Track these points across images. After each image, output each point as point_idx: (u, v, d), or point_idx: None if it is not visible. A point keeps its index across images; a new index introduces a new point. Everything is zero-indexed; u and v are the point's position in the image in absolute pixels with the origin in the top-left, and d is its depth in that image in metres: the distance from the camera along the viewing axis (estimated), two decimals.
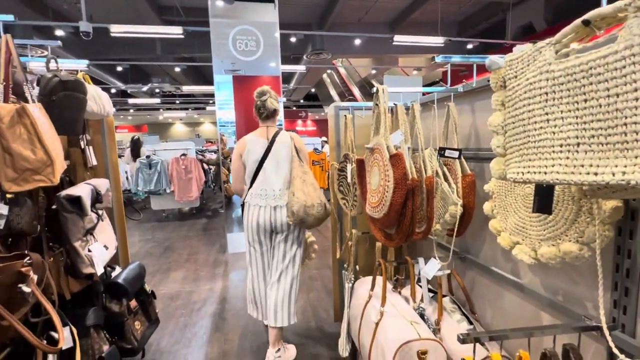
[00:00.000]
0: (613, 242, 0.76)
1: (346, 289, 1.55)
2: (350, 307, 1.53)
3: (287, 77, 12.38)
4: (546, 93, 0.48)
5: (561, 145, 0.46)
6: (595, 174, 0.41)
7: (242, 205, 1.81)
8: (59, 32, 6.11)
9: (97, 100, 1.50)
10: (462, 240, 1.35)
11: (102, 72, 9.26)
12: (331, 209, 1.75)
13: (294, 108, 17.47)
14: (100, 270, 1.34)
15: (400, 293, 1.41)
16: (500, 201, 1.00)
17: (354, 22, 7.78)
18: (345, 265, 1.78)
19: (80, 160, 1.59)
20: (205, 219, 5.57)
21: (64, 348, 1.20)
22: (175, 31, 5.14)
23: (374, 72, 10.39)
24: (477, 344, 1.00)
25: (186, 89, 10.54)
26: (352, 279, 1.60)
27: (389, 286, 1.45)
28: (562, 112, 0.46)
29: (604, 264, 0.78)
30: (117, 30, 4.63)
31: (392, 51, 7.87)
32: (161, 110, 16.38)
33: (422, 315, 1.28)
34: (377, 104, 1.19)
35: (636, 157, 0.37)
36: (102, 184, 1.47)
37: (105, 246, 1.42)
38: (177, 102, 14.58)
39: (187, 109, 16.61)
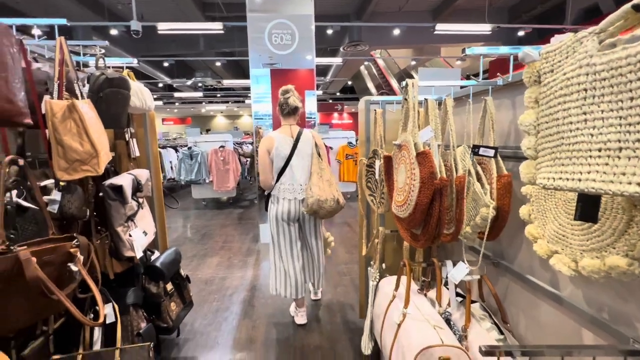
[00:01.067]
0: None
1: (370, 287, 1.53)
2: (374, 306, 1.51)
3: (323, 70, 12.34)
4: (585, 89, 0.42)
5: (600, 150, 0.40)
6: (629, 183, 0.35)
7: (267, 197, 1.92)
8: (114, 32, 6.61)
9: (140, 96, 1.60)
10: (496, 245, 1.26)
11: (151, 68, 9.89)
12: (343, 203, 1.83)
13: (330, 101, 17.40)
14: (139, 254, 1.45)
15: (426, 295, 1.36)
16: (538, 205, 0.91)
17: (394, 11, 7.49)
18: (371, 262, 1.76)
19: (125, 152, 1.72)
20: (240, 209, 5.79)
21: (107, 322, 1.33)
22: (215, 27, 5.32)
23: (413, 63, 9.99)
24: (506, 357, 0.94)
25: (226, 82, 10.92)
26: (377, 277, 1.57)
27: (415, 287, 1.40)
28: (603, 111, 0.40)
29: None
30: (164, 27, 4.90)
31: (434, 41, 7.49)
32: (203, 103, 17.18)
33: (447, 321, 1.22)
34: (406, 99, 1.14)
35: None
36: (143, 174, 1.58)
37: (144, 232, 1.52)
38: (218, 95, 15.18)
39: (227, 102, 17.26)
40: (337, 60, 7.60)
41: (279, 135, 1.85)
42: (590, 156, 0.42)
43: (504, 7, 7.73)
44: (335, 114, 17.65)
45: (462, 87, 1.32)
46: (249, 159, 6.86)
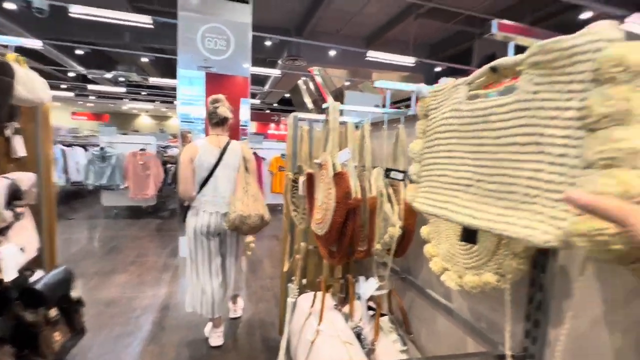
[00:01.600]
0: (529, 274, 0.80)
1: (288, 304, 1.52)
2: (291, 323, 1.49)
3: (261, 80, 12.25)
4: (453, 131, 0.49)
5: (456, 184, 0.48)
6: (473, 217, 0.43)
7: (186, 208, 1.80)
8: (10, 5, 5.59)
9: (28, 85, 1.36)
10: (404, 261, 1.37)
11: (60, 54, 8.60)
12: (269, 219, 1.80)
13: (268, 111, 17.31)
14: (11, 275, 1.20)
15: (341, 311, 1.39)
16: (435, 227, 1.02)
17: (332, 32, 7.89)
18: (293, 278, 1.75)
19: (3, 150, 1.43)
20: (160, 219, 5.29)
21: None
22: (143, 20, 4.90)
23: (347, 83, 10.58)
24: None
25: (154, 80, 10.07)
26: (297, 293, 1.56)
27: (332, 303, 1.43)
28: (463, 152, 0.47)
29: (520, 295, 0.81)
30: (77, 11, 4.32)
31: (366, 66, 8.07)
32: (125, 100, 15.52)
33: (359, 335, 1.27)
34: (327, 120, 1.18)
35: (505, 208, 0.38)
36: (25, 178, 1.33)
37: (21, 248, 1.27)
38: (143, 93, 13.89)
39: (154, 101, 15.88)
40: (275, 72, 7.64)
41: (205, 144, 1.75)
42: (450, 189, 0.49)
43: (427, 44, 8.75)
44: (272, 125, 17.59)
45: (386, 113, 1.43)
46: (174, 165, 6.35)
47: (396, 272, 1.39)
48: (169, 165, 6.13)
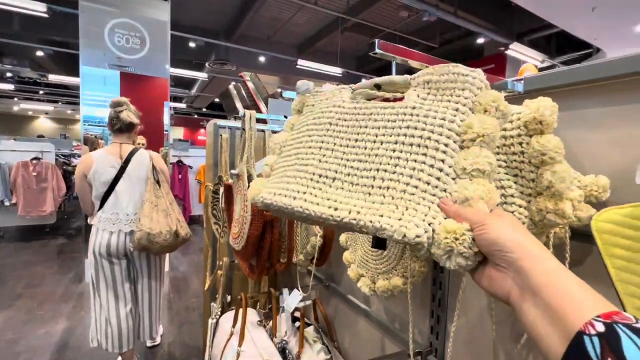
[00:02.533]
0: (431, 274, 0.86)
1: (210, 325, 1.41)
2: (213, 346, 1.39)
3: (188, 83, 11.52)
4: (330, 123, 0.49)
5: (320, 175, 0.47)
6: (335, 208, 0.41)
7: (91, 228, 1.55)
8: None
9: None
10: (327, 268, 1.38)
11: None
12: (187, 235, 1.65)
13: (196, 116, 16.31)
14: None
15: (265, 327, 1.34)
16: (352, 234, 1.04)
17: (263, 38, 7.81)
18: (216, 296, 1.64)
19: None
20: (63, 239, 4.53)
21: None
22: (36, 7, 4.20)
23: (279, 90, 10.58)
24: None
25: (55, 78, 8.68)
26: (219, 313, 1.46)
27: (256, 319, 1.37)
28: (335, 144, 0.47)
29: (426, 294, 0.87)
30: None
31: (296, 73, 8.18)
32: (16, 99, 13.07)
33: (283, 350, 1.23)
34: (243, 129, 1.14)
35: (373, 203, 0.39)
36: None
37: None
38: (41, 92, 11.89)
39: (56, 101, 13.70)
40: (202, 75, 7.24)
41: (102, 155, 1.53)
42: (312, 179, 0.47)
43: (353, 56, 9.26)
44: (202, 130, 16.62)
45: None
46: None
47: (320, 280, 1.39)
48: (73, 177, 5.31)
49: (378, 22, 6.55)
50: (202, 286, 3.08)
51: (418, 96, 0.41)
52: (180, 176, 5.49)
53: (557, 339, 0.25)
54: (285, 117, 1.30)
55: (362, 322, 1.17)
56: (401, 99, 0.43)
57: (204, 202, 1.70)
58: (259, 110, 11.67)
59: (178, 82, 11.00)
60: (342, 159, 0.45)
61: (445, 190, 0.36)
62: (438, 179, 0.36)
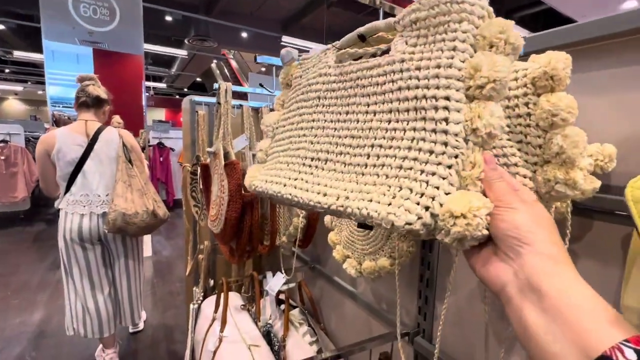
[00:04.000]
0: (419, 253, 0.83)
1: (191, 311, 1.36)
2: (195, 332, 1.34)
3: (167, 61, 10.99)
4: (319, 97, 0.43)
5: (312, 159, 0.42)
6: (324, 194, 0.36)
7: (59, 212, 1.45)
8: None
9: None
10: (313, 250, 1.34)
11: None
12: (165, 215, 1.58)
13: (177, 97, 15.71)
14: None
15: (249, 311, 1.30)
16: None
17: (245, 13, 7.43)
18: (199, 280, 1.58)
19: None
20: (40, 226, 4.35)
21: None
22: None
23: (263, 69, 10.24)
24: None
25: (20, 55, 8.09)
26: (200, 298, 1.41)
27: (239, 303, 1.32)
28: (325, 121, 0.41)
29: (414, 274, 0.83)
30: None
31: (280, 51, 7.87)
32: None
33: (268, 333, 1.20)
34: (219, 103, 1.04)
35: (365, 184, 0.34)
36: None
37: None
38: (7, 70, 11.13)
39: (25, 81, 12.88)
40: (181, 53, 6.89)
41: (67, 133, 1.40)
42: (304, 164, 0.42)
43: (340, 33, 8.95)
44: None
45: None
46: None
47: (305, 262, 1.35)
48: None
49: None
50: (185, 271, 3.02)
51: (406, 43, 0.34)
52: (161, 159, 5.31)
53: (570, 355, 0.22)
54: (261, 85, 1.21)
55: (349, 304, 1.14)
56: (388, 51, 0.36)
57: (182, 184, 1.61)
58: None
59: (156, 60, 10.47)
60: (333, 136, 0.39)
61: (456, 156, 0.29)
62: (445, 144, 0.29)
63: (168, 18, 6.07)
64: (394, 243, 0.77)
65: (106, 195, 1.43)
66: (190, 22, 6.82)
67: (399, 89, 0.33)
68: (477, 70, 0.28)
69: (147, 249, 3.40)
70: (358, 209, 0.32)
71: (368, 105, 0.36)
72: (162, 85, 13.78)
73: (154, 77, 12.75)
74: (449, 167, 0.29)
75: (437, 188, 0.29)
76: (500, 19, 0.29)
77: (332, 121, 0.40)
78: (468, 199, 0.27)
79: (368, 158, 0.34)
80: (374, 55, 0.39)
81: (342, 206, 0.34)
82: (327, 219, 1.04)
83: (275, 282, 1.14)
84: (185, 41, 7.22)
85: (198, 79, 13.94)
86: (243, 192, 0.94)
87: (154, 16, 3.41)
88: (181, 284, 2.73)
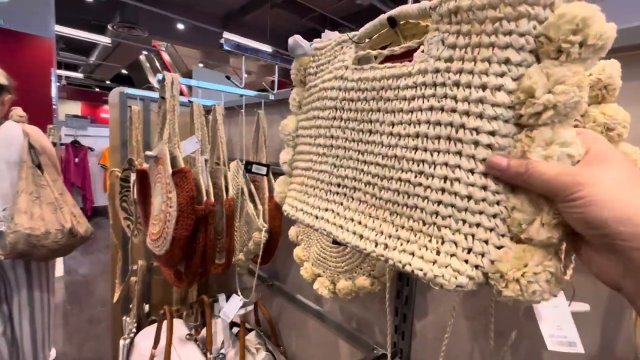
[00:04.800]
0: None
1: (121, 347, 1.12)
2: None
3: (87, 48, 9.61)
4: (336, 108, 0.35)
5: (338, 185, 0.35)
6: (361, 236, 0.31)
7: None
8: None
9: None
10: (271, 265, 1.21)
11: None
12: (87, 232, 1.31)
13: (98, 89, 13.87)
14: None
15: (196, 341, 1.12)
16: (304, 227, 0.90)
17: (179, 3, 6.86)
18: (131, 306, 1.33)
19: None
20: None
21: None
22: None
23: (201, 65, 9.62)
24: None
25: None
26: (134, 330, 1.18)
27: (184, 332, 1.14)
28: (346, 139, 0.34)
29: (390, 290, 0.78)
30: None
31: (221, 48, 7.48)
32: None
33: None
34: (163, 98, 0.87)
35: (401, 228, 0.28)
36: None
37: None
38: None
39: None
40: (103, 40, 6.08)
41: None
42: (330, 191, 0.36)
43: (283, 35, 8.87)
44: (105, 107, 14.24)
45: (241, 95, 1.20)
46: None
47: (263, 279, 1.22)
48: None
49: (310, 1, 6.33)
50: (110, 293, 2.61)
51: (443, 43, 0.27)
52: (77, 160, 4.57)
53: None
54: (228, 78, 1.05)
55: (313, 323, 1.05)
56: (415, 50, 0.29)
57: (108, 193, 1.35)
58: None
59: (74, 46, 9.09)
60: (358, 160, 0.33)
61: (498, 203, 0.24)
62: (484, 188, 0.24)
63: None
64: (374, 259, 0.71)
65: (3, 210, 1.10)
66: (115, 5, 6.05)
67: (431, 108, 0.26)
68: (529, 94, 0.22)
69: (58, 268, 2.85)
70: (400, 262, 0.27)
71: (393, 126, 0.29)
72: (79, 75, 12.05)
73: (68, 65, 11.06)
74: (493, 216, 0.24)
75: (486, 242, 0.24)
76: (577, 5, 0.21)
77: (354, 141, 0.33)
78: (523, 258, 0.22)
79: (398, 195, 0.28)
80: (401, 56, 0.31)
81: (383, 256, 0.29)
82: (292, 232, 0.94)
83: (231, 307, 1.00)
84: (109, 27, 6.38)
85: (124, 71, 12.52)
86: (196, 205, 0.79)
87: None
88: (104, 308, 2.32)
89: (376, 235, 0.30)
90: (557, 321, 0.47)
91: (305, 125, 0.40)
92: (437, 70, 0.26)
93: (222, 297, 1.05)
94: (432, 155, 0.26)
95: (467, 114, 0.25)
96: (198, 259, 0.81)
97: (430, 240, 0.26)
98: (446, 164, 0.25)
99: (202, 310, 1.11)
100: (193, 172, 0.88)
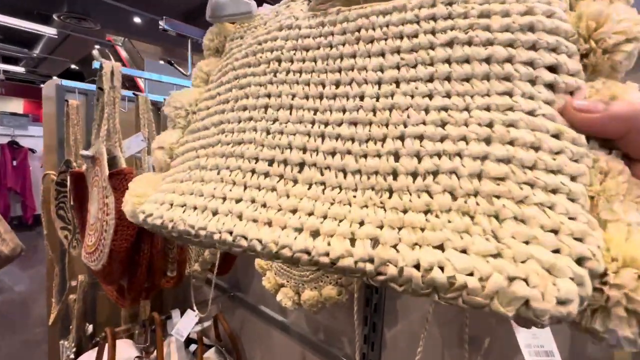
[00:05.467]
0: None
1: None
2: None
3: (30, 40, 8.74)
4: (279, 60, 0.28)
5: (271, 162, 0.24)
6: (315, 233, 0.20)
7: None
8: None
9: None
10: (232, 275, 1.12)
11: None
12: (16, 249, 1.13)
13: (42, 85, 12.70)
14: None
15: None
16: None
17: None
18: (71, 327, 1.17)
19: None
20: None
21: None
22: None
23: (162, 62, 9.13)
24: None
25: None
26: (72, 356, 1.04)
27: (132, 354, 1.01)
28: (294, 95, 0.25)
29: (359, 298, 0.73)
30: None
31: (183, 45, 7.15)
32: None
33: None
34: (101, 89, 0.76)
35: (397, 214, 0.18)
36: None
37: None
38: None
39: None
40: (48, 31, 5.55)
41: None
42: (255, 170, 0.24)
43: None
44: None
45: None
46: None
47: (223, 289, 1.13)
48: None
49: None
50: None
51: None
52: (15, 163, 4.10)
53: None
54: (171, 63, 0.95)
55: (277, 335, 0.98)
56: None
57: (42, 199, 1.19)
58: (135, 87, 9.85)
59: (11, 36, 8.21)
60: (314, 122, 0.23)
61: (577, 160, 0.17)
62: (556, 136, 0.17)
63: None
64: (355, 276, 0.66)
65: None
66: None
67: (451, 43, 0.20)
68: (599, 22, 0.18)
69: None
70: (426, 264, 0.16)
71: (381, 70, 0.22)
72: (20, 69, 10.96)
73: (7, 58, 10.00)
74: (574, 178, 0.16)
75: (573, 219, 0.15)
76: None
77: (307, 97, 0.24)
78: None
79: (398, 159, 0.20)
80: None
81: (366, 258, 0.17)
82: None
83: (185, 324, 0.90)
84: (54, 17, 5.83)
85: (74, 66, 11.57)
86: None
87: None
88: (43, 328, 2.07)
89: (351, 225, 0.19)
90: (533, 329, 0.44)
91: (217, 92, 0.31)
92: (450, 2, 0.21)
93: (176, 312, 0.95)
94: (463, 98, 0.19)
95: (511, 45, 0.19)
96: (143, 274, 0.70)
97: (474, 221, 0.16)
98: (489, 108, 0.18)
99: (151, 330, 0.99)
100: (138, 174, 0.78)
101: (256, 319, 1.05)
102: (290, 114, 0.25)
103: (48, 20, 6.60)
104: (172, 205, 0.27)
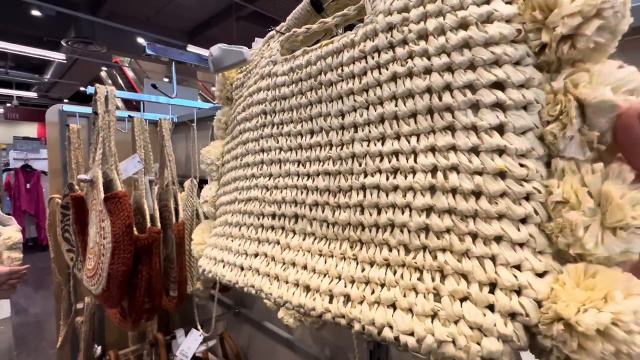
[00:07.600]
0: None
1: None
2: None
3: (40, 66, 9.07)
4: (265, 112, 0.29)
5: (274, 216, 0.26)
6: (306, 288, 0.23)
7: None
8: None
9: None
10: (235, 291, 1.11)
11: None
12: (18, 265, 1.14)
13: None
14: None
15: None
16: None
17: (141, 18, 6.64)
18: (79, 353, 1.17)
19: None
20: None
21: None
22: None
23: (166, 80, 9.34)
24: None
25: None
26: None
27: None
28: (281, 149, 0.27)
29: None
30: None
31: (186, 61, 7.30)
32: None
33: None
34: (96, 113, 0.77)
35: (357, 262, 0.21)
36: None
37: None
38: None
39: None
40: (57, 56, 5.75)
41: None
42: (262, 226, 0.27)
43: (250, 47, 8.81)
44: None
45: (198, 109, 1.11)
46: None
47: (228, 306, 1.12)
48: None
49: (277, 13, 6.34)
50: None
51: (391, 4, 0.21)
52: (28, 186, 4.21)
53: None
54: (154, 87, 0.96)
55: (284, 353, 0.96)
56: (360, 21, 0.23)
57: (48, 222, 1.20)
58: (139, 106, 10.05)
59: (25, 64, 8.54)
60: (298, 175, 0.25)
61: (528, 198, 0.16)
62: (500, 175, 0.17)
63: (36, 13, 4.96)
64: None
65: None
66: (69, 20, 5.75)
67: (394, 77, 0.20)
68: (549, 5, 0.15)
69: (5, 308, 2.55)
70: (374, 325, 0.18)
71: (342, 116, 0.22)
72: (32, 94, 11.33)
73: (20, 85, 10.37)
74: (523, 220, 0.15)
75: (518, 268, 0.15)
76: None
77: (291, 149, 0.25)
78: (594, 286, 0.14)
79: (361, 212, 0.20)
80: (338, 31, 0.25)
81: (344, 316, 0.20)
82: None
83: (190, 344, 0.89)
84: (63, 43, 6.04)
85: (82, 89, 11.88)
86: (136, 233, 0.69)
87: (17, 9, 2.66)
88: (56, 350, 2.09)
89: (330, 282, 0.21)
90: None
91: (232, 146, 0.33)
92: (390, 27, 0.20)
93: (180, 332, 0.94)
94: (408, 141, 0.19)
95: (449, 69, 0.18)
96: (142, 296, 0.70)
97: (420, 278, 0.17)
98: (433, 149, 0.18)
99: (156, 351, 0.98)
100: (135, 196, 0.78)
101: (262, 336, 1.03)
102: (280, 168, 0.26)
103: (57, 46, 6.85)
104: (215, 260, 0.33)
